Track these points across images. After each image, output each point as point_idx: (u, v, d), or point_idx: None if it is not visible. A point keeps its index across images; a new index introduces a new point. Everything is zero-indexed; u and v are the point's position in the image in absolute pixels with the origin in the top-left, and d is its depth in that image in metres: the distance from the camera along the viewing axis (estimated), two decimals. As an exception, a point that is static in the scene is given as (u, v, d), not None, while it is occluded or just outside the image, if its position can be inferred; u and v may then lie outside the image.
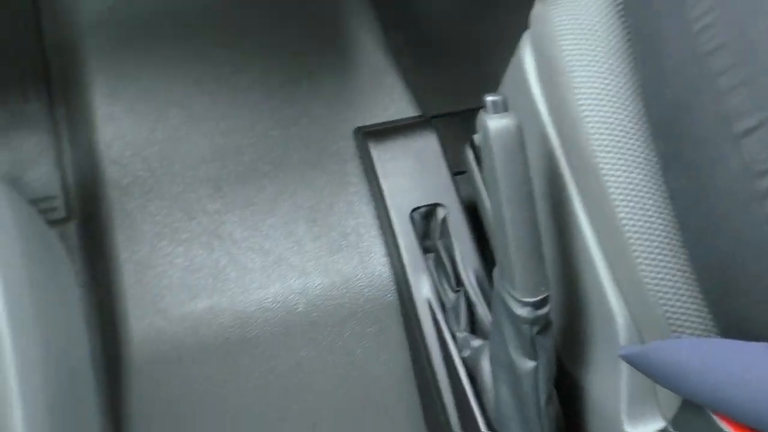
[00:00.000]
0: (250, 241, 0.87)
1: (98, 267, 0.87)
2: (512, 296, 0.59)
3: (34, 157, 0.99)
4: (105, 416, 0.78)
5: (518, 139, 0.57)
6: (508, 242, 0.57)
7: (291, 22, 1.01)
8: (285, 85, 0.97)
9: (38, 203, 0.95)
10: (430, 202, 0.88)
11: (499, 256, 0.60)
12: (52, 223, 0.93)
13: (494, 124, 0.57)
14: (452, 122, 1.06)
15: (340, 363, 0.85)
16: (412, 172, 0.90)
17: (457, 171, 0.95)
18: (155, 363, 0.80)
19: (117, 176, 0.89)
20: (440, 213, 0.88)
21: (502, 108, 0.58)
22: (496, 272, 0.63)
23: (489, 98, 0.58)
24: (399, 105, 0.99)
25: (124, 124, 0.92)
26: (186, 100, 0.95)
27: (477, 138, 0.89)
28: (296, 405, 0.83)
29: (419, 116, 0.98)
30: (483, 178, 0.85)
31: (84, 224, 0.92)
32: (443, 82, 1.10)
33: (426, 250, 0.88)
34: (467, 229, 0.88)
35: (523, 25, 0.71)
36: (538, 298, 0.58)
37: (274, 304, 0.85)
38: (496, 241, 0.60)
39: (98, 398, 0.78)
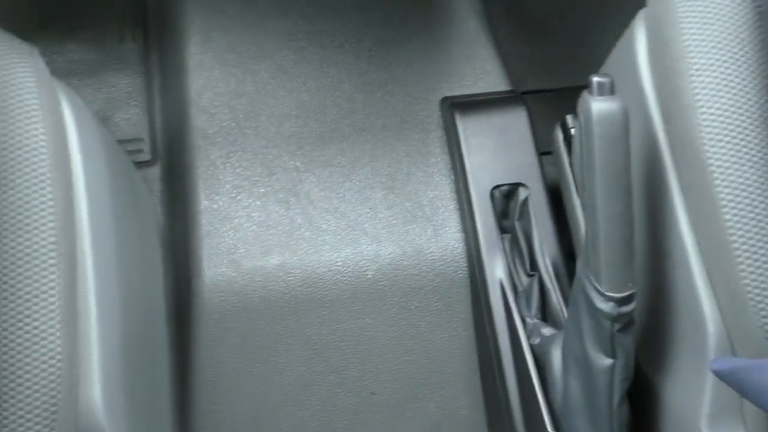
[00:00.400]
0: (326, 203, 0.87)
1: (177, 212, 0.89)
2: (596, 289, 0.56)
3: (125, 98, 1.01)
4: (174, 358, 0.80)
5: (623, 125, 0.53)
6: (599, 233, 0.55)
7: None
8: (374, 47, 0.96)
9: (125, 144, 0.97)
10: (512, 181, 0.85)
11: (586, 245, 0.57)
12: (137, 165, 0.95)
13: (598, 106, 0.54)
14: (543, 99, 1.02)
15: (404, 334, 0.84)
16: (496, 149, 0.88)
17: (544, 151, 0.92)
18: (224, 312, 0.81)
19: (204, 125, 0.90)
20: (522, 193, 0.86)
21: (609, 90, 0.54)
22: (579, 261, 0.60)
23: (595, 79, 0.54)
24: (490, 78, 0.95)
25: (215, 74, 0.93)
26: (276, 54, 0.94)
27: (570, 119, 0.85)
28: (356, 371, 0.83)
29: (510, 91, 0.95)
30: (572, 162, 0.82)
31: (167, 169, 0.93)
32: (538, 56, 1.06)
33: (503, 230, 0.85)
34: (548, 213, 0.85)
35: (632, 2, 0.66)
36: (624, 294, 0.55)
37: (344, 268, 0.84)
38: (585, 229, 0.58)
39: (168, 340, 0.80)
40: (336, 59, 0.94)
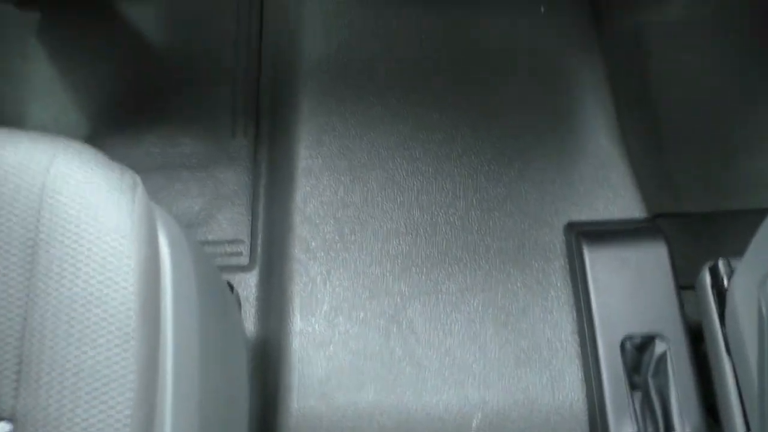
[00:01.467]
0: (431, 335, 0.79)
1: (271, 329, 0.83)
2: None
3: (231, 196, 0.98)
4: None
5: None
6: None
7: (511, 86, 0.91)
8: (494, 160, 0.88)
9: (225, 245, 0.94)
10: (648, 332, 0.74)
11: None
12: (234, 268, 0.91)
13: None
14: (682, 224, 0.90)
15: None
16: (630, 289, 0.76)
17: (683, 285, 0.80)
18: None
19: (307, 236, 0.85)
20: (658, 346, 0.74)
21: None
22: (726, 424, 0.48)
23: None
24: (624, 203, 0.85)
25: (323, 180, 0.88)
26: (388, 163, 0.88)
27: (722, 266, 0.73)
28: None
29: (647, 220, 0.84)
30: (723, 321, 0.70)
31: (265, 277, 0.88)
32: (678, 176, 0.94)
33: (633, 387, 0.74)
34: (690, 370, 0.73)
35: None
36: None
37: (445, 414, 0.75)
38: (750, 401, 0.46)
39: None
40: (452, 172, 0.87)
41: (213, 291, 0.68)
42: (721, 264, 0.72)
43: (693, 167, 0.95)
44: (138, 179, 0.58)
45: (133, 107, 1.03)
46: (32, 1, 1.07)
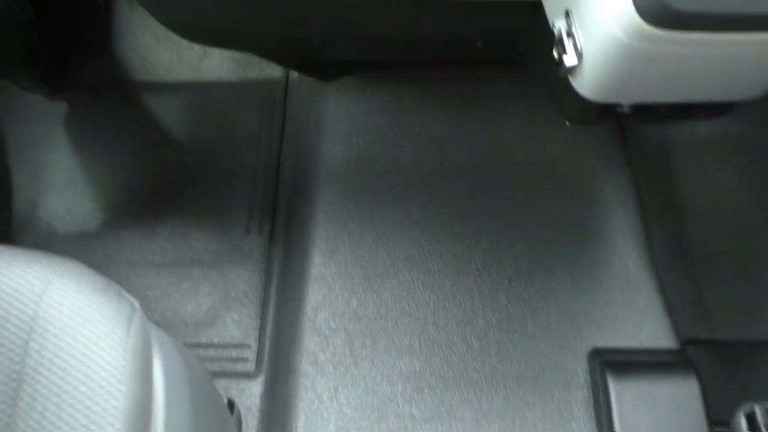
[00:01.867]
0: (442, 467, 0.73)
1: (273, 447, 0.78)
2: None
3: (241, 297, 0.95)
4: None
5: None
6: None
7: (534, 198, 0.89)
8: (516, 278, 0.84)
9: (231, 349, 0.90)
10: (679, 479, 0.68)
11: None
12: (239, 375, 0.87)
13: None
14: (714, 352, 0.85)
15: None
16: (659, 428, 0.71)
17: (717, 420, 0.74)
18: None
19: (315, 349, 0.81)
20: (691, 496, 0.68)
21: None
22: None
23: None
24: (652, 328, 0.80)
25: (335, 289, 0.85)
26: (404, 275, 0.85)
27: (759, 411, 0.67)
28: None
29: (677, 351, 0.79)
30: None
31: (269, 388, 0.84)
32: (708, 297, 0.90)
33: None
34: None
35: None
36: None
37: None
38: None
39: None
40: (470, 287, 0.83)
41: (211, 420, 0.64)
42: (758, 411, 0.67)
43: (724, 288, 0.90)
44: (137, 305, 0.55)
45: (149, 199, 1.01)
46: (59, 92, 1.08)
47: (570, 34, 0.51)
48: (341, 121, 0.93)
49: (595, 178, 0.89)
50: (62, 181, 1.04)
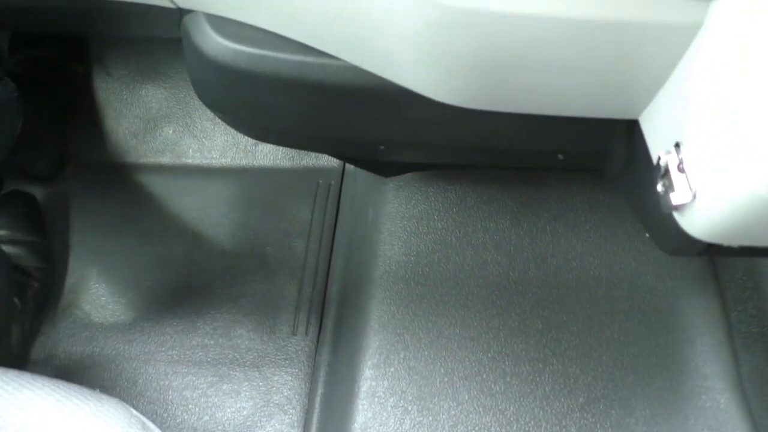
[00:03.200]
0: None
1: None
2: None
3: (282, 404, 0.88)
4: None
5: None
6: None
7: (610, 319, 0.81)
8: (587, 406, 0.75)
9: (270, 464, 0.83)
10: None
11: None
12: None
13: None
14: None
15: None
16: None
17: None
18: None
19: (361, 477, 0.73)
20: None
21: None
22: None
23: None
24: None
25: (387, 408, 0.77)
26: (463, 395, 0.77)
27: None
28: None
29: None
30: None
31: None
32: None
33: None
34: None
35: None
36: None
37: None
38: None
39: None
40: (536, 415, 0.75)
41: None
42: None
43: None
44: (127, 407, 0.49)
45: (192, 290, 0.97)
46: (57, 176, 1.07)
47: (681, 170, 0.45)
48: (401, 221, 0.88)
49: (679, 298, 0.81)
50: (106, 269, 1.00)
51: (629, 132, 0.55)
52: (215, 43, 0.61)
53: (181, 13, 0.66)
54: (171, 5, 0.65)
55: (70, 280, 1.00)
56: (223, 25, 0.62)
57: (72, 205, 1.07)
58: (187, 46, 0.65)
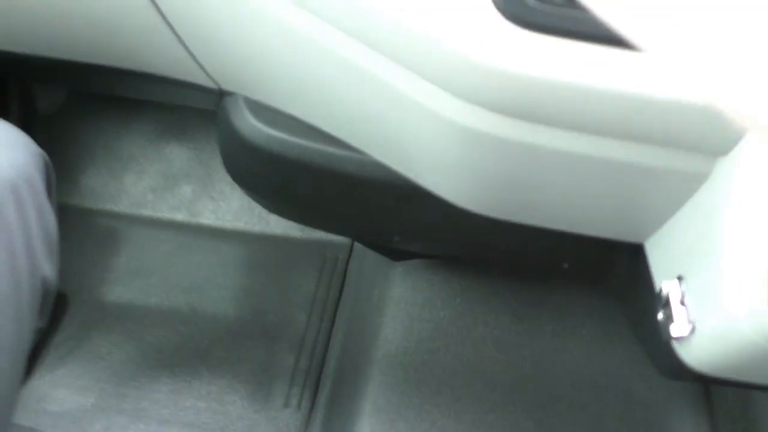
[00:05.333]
0: None
1: None
2: None
3: (267, 477, 0.88)
4: None
5: None
6: None
7: (602, 426, 0.81)
8: None
9: None
10: None
11: None
12: None
13: None
14: None
15: None
16: None
17: None
18: None
19: None
20: None
21: None
22: None
23: None
24: None
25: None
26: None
27: None
28: None
29: None
30: None
31: None
32: None
33: None
34: None
35: None
36: None
37: None
38: None
39: None
40: None
41: None
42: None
43: None
44: None
45: (190, 349, 0.98)
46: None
47: (683, 303, 0.47)
48: (404, 307, 0.89)
49: (671, 413, 0.82)
50: (108, 319, 1.01)
51: (634, 254, 0.58)
52: (251, 126, 0.65)
53: (221, 93, 0.70)
54: (214, 86, 0.69)
55: (71, 327, 1.01)
56: (260, 109, 0.66)
57: (81, 252, 1.09)
58: (223, 123, 0.69)
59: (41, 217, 0.57)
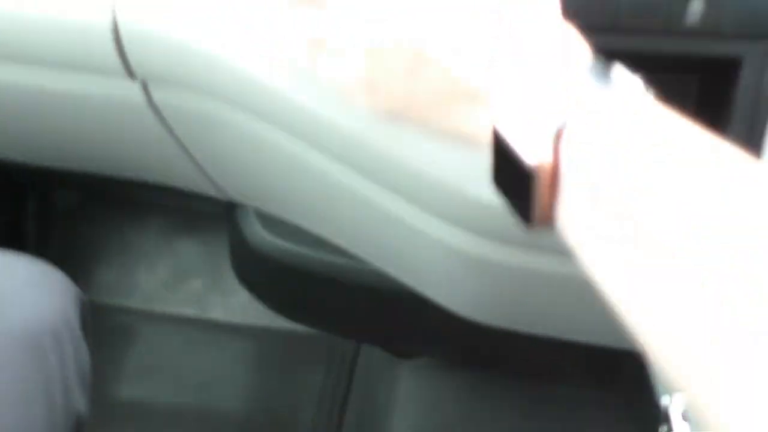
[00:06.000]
0: None
1: None
2: None
3: None
4: None
5: None
6: None
7: None
8: None
9: None
10: None
11: None
12: None
13: None
14: None
15: None
16: None
17: None
18: None
19: None
20: None
21: None
22: None
23: None
24: None
25: None
26: None
27: None
28: None
29: None
30: None
31: None
32: None
33: None
34: None
35: None
36: None
37: None
38: None
39: None
40: None
41: None
42: None
43: None
44: None
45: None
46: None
47: (685, 418, 0.48)
48: (412, 406, 0.89)
49: None
50: (117, 418, 1.01)
51: (641, 362, 0.58)
52: (261, 237, 0.67)
53: (231, 203, 0.73)
54: (222, 197, 0.72)
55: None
56: (270, 220, 0.69)
57: (93, 349, 1.10)
58: (234, 233, 0.71)
59: (78, 355, 0.58)
